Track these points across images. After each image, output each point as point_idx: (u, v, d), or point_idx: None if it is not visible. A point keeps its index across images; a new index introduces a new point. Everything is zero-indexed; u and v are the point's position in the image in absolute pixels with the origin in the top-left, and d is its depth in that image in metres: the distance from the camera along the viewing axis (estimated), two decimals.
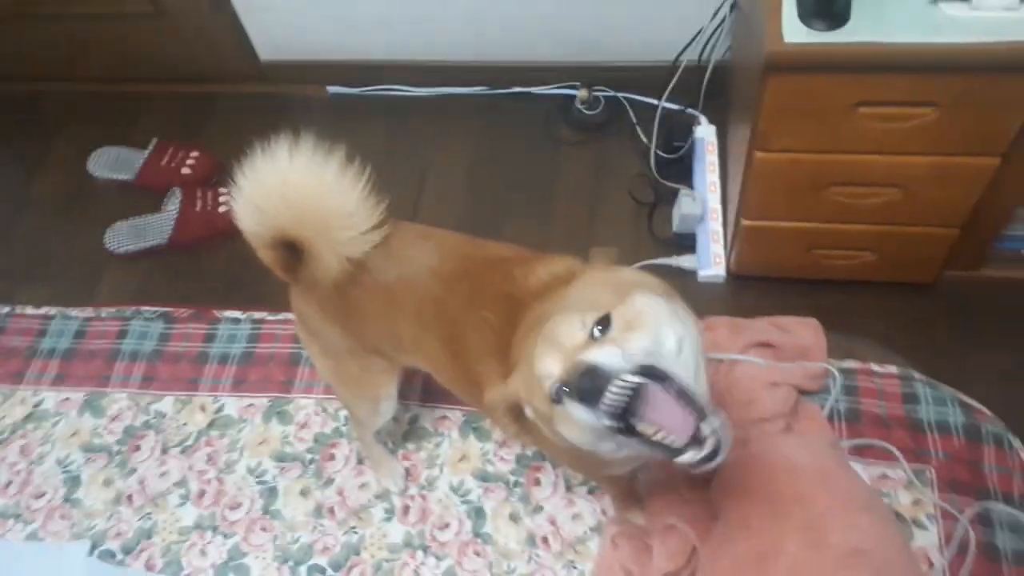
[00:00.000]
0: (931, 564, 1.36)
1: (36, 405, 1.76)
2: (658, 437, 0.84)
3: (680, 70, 1.84)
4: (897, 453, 1.45)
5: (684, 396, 0.84)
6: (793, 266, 1.65)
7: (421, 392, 1.64)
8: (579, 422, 0.85)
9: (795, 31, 1.20)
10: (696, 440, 0.83)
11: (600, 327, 0.87)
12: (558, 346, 0.88)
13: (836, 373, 1.52)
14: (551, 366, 0.87)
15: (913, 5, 1.19)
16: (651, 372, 0.83)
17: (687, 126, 1.88)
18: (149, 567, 1.52)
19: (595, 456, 0.95)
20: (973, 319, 1.61)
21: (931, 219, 1.47)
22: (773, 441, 1.37)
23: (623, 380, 0.81)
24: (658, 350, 0.85)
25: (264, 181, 1.10)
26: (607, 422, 0.82)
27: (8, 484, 1.66)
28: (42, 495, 1.64)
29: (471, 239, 1.22)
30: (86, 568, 1.52)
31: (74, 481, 1.65)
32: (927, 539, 1.38)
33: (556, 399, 0.86)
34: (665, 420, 0.83)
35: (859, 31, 1.18)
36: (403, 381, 1.62)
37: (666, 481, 1.42)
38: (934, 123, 1.26)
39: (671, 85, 1.84)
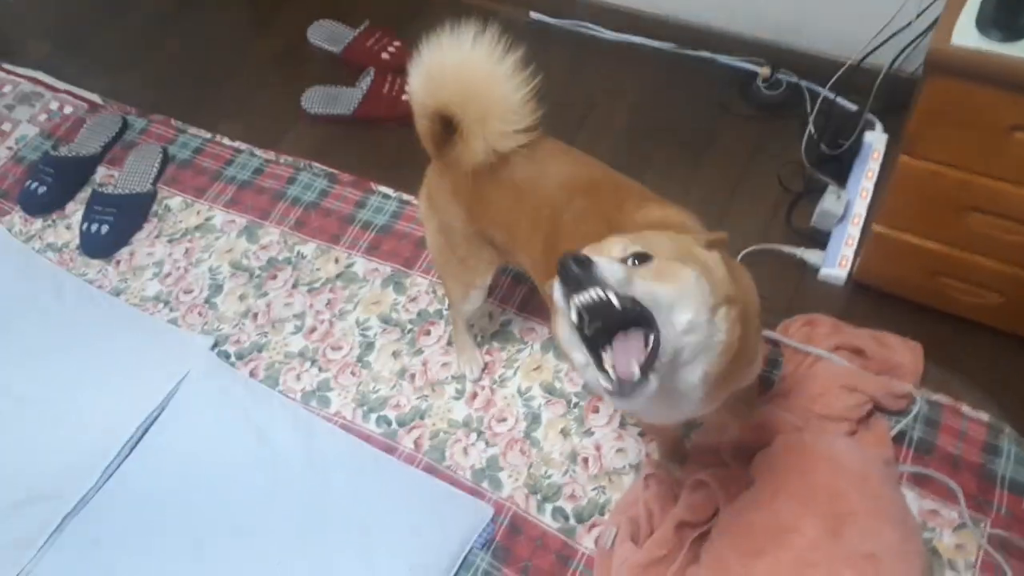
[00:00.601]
0: None
1: (207, 219, 2.03)
2: (607, 366, 0.88)
3: (869, 72, 1.79)
4: (959, 492, 1.41)
5: (651, 350, 0.87)
6: (915, 288, 1.60)
7: (519, 301, 1.76)
8: (557, 305, 0.89)
9: (966, 35, 1.17)
10: (623, 383, 0.87)
11: (636, 260, 0.92)
12: (593, 252, 0.93)
13: (918, 398, 1.48)
14: None
15: None
16: (639, 313, 0.87)
17: (858, 127, 1.84)
18: (252, 374, 1.76)
19: None
20: None
21: None
22: (827, 437, 1.38)
23: (607, 292, 0.85)
24: (664, 308, 0.89)
25: (445, 55, 1.21)
26: (572, 314, 0.87)
27: (168, 275, 1.95)
28: (190, 292, 1.91)
29: (605, 166, 1.30)
30: (206, 358, 1.77)
31: (217, 289, 1.91)
32: None
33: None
34: (619, 352, 0.88)
35: None
36: (507, 289, 1.76)
37: (713, 445, 1.46)
38: None
39: (839, 81, 1.80)
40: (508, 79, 1.20)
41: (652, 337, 0.87)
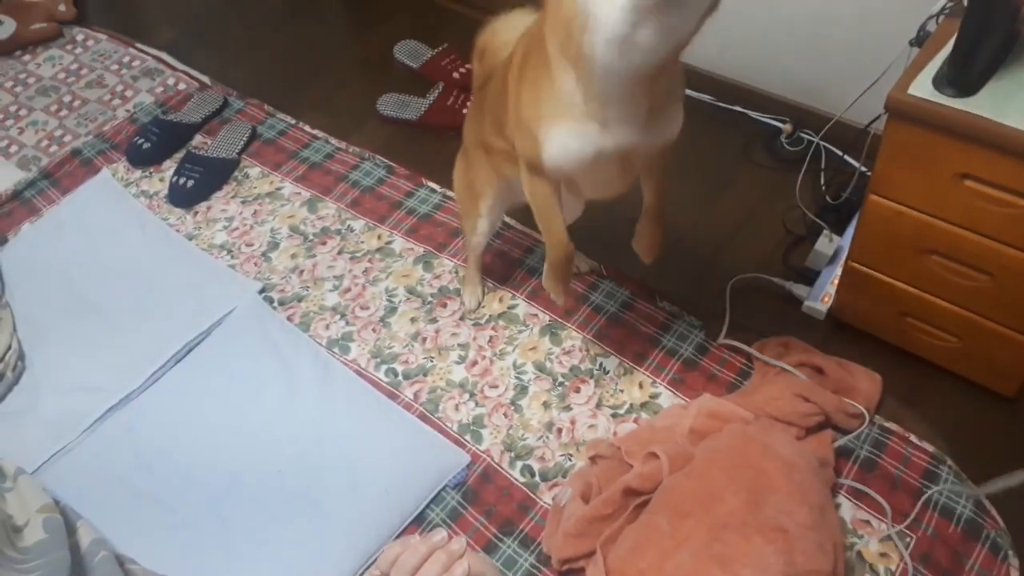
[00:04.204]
0: None
1: (278, 188, 2.33)
2: None
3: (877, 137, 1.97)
4: (887, 507, 1.53)
5: None
6: (884, 327, 1.74)
7: (529, 291, 1.97)
8: None
9: (922, 88, 1.36)
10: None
11: None
12: None
13: (867, 414, 1.61)
14: None
15: None
16: None
17: (853, 181, 2.01)
18: (289, 318, 2.00)
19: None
20: None
21: (1018, 323, 1.51)
22: (770, 430, 1.53)
23: None
24: None
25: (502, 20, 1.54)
26: None
27: (235, 229, 2.23)
28: (251, 245, 2.19)
29: None
30: (252, 299, 2.03)
31: (274, 246, 2.18)
32: None
33: None
34: None
35: (979, 106, 1.31)
36: (520, 280, 1.98)
37: (670, 427, 1.62)
38: None
39: (849, 142, 1.98)
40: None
41: None
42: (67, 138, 2.55)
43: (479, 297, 1.94)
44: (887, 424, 1.65)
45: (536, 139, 1.28)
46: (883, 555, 1.50)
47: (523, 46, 1.32)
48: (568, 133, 1.24)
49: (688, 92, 2.37)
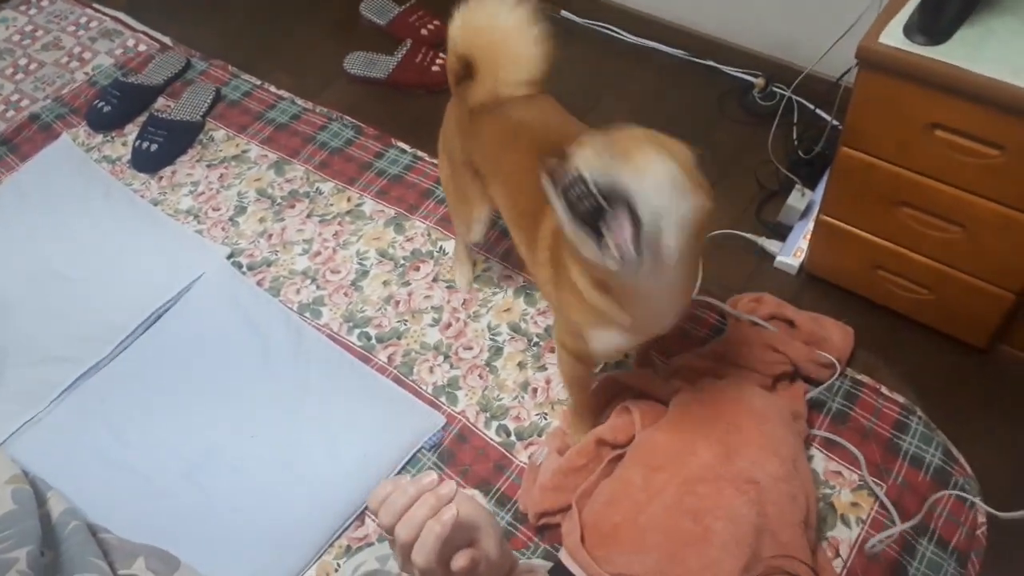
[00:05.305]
0: (838, 554, 1.47)
1: (244, 151, 2.28)
2: (609, 245, 1.01)
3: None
4: (860, 457, 1.55)
5: (636, 225, 1.01)
6: (857, 280, 1.75)
7: (501, 253, 1.95)
8: (552, 200, 1.02)
9: (893, 36, 1.34)
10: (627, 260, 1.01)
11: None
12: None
13: (837, 364, 1.62)
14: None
15: (1014, 48, 1.28)
16: (618, 193, 1.01)
17: (824, 135, 1.99)
18: (259, 283, 1.97)
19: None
20: (1008, 398, 1.63)
21: (989, 274, 1.52)
22: (741, 383, 1.53)
23: (590, 188, 0.99)
24: (636, 183, 1.01)
25: (484, 10, 1.38)
26: (561, 203, 1.00)
27: (201, 194, 2.19)
28: (218, 210, 2.14)
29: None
30: (220, 265, 2.00)
31: (241, 210, 2.14)
32: (845, 534, 1.49)
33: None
34: (616, 231, 1.01)
35: (950, 54, 1.30)
36: (492, 241, 1.95)
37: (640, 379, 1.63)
38: (1000, 167, 1.34)
39: (820, 95, 1.96)
40: (526, 40, 1.37)
41: (635, 218, 1.00)
42: (24, 102, 2.48)
43: (469, 277, 1.90)
44: (859, 376, 1.67)
45: (584, 338, 1.36)
46: (854, 504, 1.52)
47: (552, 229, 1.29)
48: (611, 336, 1.32)
49: (661, 47, 2.38)
